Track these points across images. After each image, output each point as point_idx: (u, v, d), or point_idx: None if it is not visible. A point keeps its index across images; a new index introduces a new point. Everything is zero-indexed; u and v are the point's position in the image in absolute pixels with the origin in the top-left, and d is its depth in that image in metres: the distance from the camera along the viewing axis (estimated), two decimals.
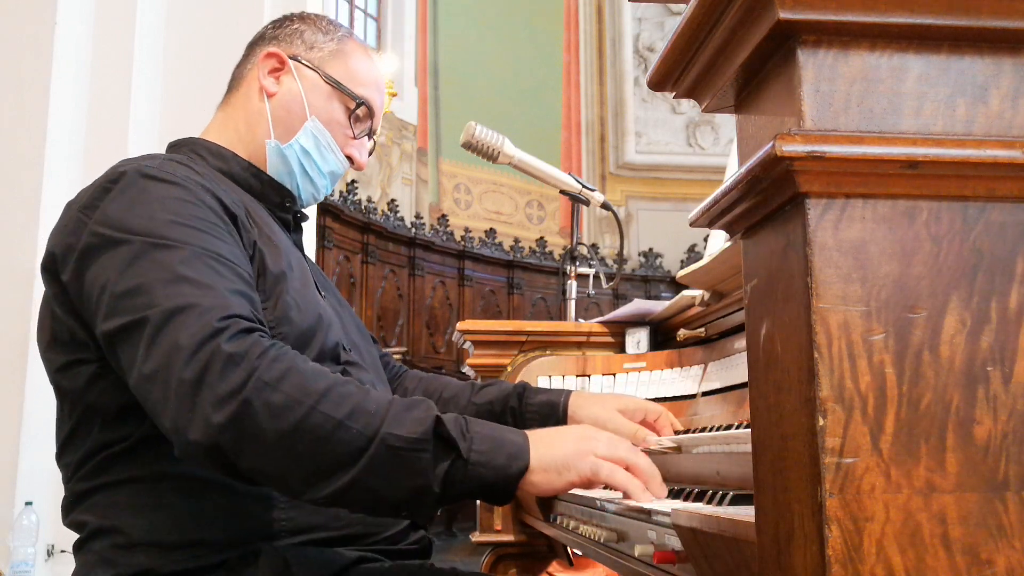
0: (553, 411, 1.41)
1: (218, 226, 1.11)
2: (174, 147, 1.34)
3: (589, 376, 1.82)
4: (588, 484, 1.04)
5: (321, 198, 1.41)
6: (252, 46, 1.41)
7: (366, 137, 1.41)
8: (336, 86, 1.35)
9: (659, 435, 1.35)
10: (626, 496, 1.02)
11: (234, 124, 1.35)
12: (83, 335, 1.11)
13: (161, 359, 0.97)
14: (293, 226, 1.39)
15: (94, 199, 1.11)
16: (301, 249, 1.39)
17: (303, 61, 1.35)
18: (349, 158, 1.39)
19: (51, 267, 1.13)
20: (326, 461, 0.94)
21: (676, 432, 1.38)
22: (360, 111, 1.37)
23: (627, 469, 1.05)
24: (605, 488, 1.14)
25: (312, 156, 1.34)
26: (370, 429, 0.95)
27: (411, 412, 0.97)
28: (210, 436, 0.93)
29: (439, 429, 0.97)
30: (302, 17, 1.41)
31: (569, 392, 1.45)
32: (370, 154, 1.45)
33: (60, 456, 1.17)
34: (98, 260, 1.06)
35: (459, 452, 0.97)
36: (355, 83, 1.37)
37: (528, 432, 1.04)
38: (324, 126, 1.34)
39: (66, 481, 1.16)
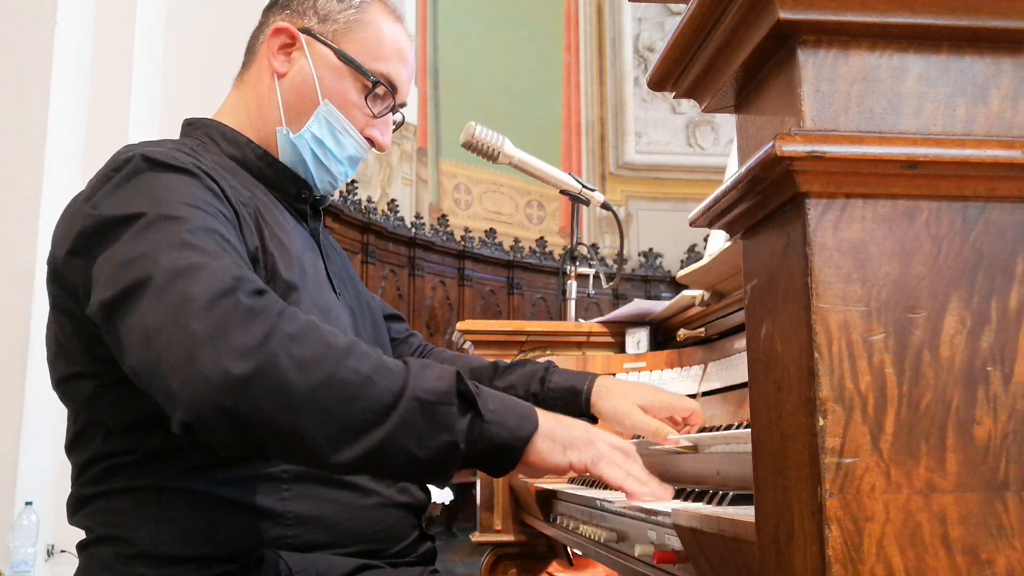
0: (576, 398, 1.36)
1: (223, 214, 1.05)
2: (189, 126, 1.27)
3: None
4: (584, 471, 1.01)
5: (341, 185, 1.31)
6: (266, 12, 1.31)
7: (390, 114, 1.30)
8: (351, 64, 1.24)
9: (691, 432, 1.32)
10: (629, 496, 1.02)
11: (246, 106, 1.27)
12: (80, 352, 1.08)
13: (168, 311, 0.88)
14: (312, 215, 1.32)
15: (97, 186, 1.05)
16: (317, 239, 1.32)
17: (316, 35, 1.24)
18: (370, 139, 1.29)
19: (53, 269, 1.09)
20: (356, 418, 0.88)
21: (700, 429, 1.34)
22: (379, 89, 1.26)
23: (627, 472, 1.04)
24: (594, 486, 1.14)
25: (327, 144, 1.24)
26: (396, 385, 0.90)
27: (429, 370, 0.94)
28: (229, 391, 0.84)
29: (460, 384, 0.94)
30: None
31: (595, 378, 1.37)
32: (397, 128, 1.34)
33: (69, 452, 1.16)
34: (102, 244, 0.99)
35: (477, 408, 0.94)
36: (374, 57, 1.25)
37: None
38: (339, 109, 1.24)
39: (73, 479, 1.15)
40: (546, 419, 0.99)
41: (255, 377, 0.84)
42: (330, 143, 1.25)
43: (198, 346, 0.85)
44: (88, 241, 1.01)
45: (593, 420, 1.39)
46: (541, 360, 1.49)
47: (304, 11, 1.26)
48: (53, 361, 1.13)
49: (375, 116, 1.27)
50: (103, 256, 0.98)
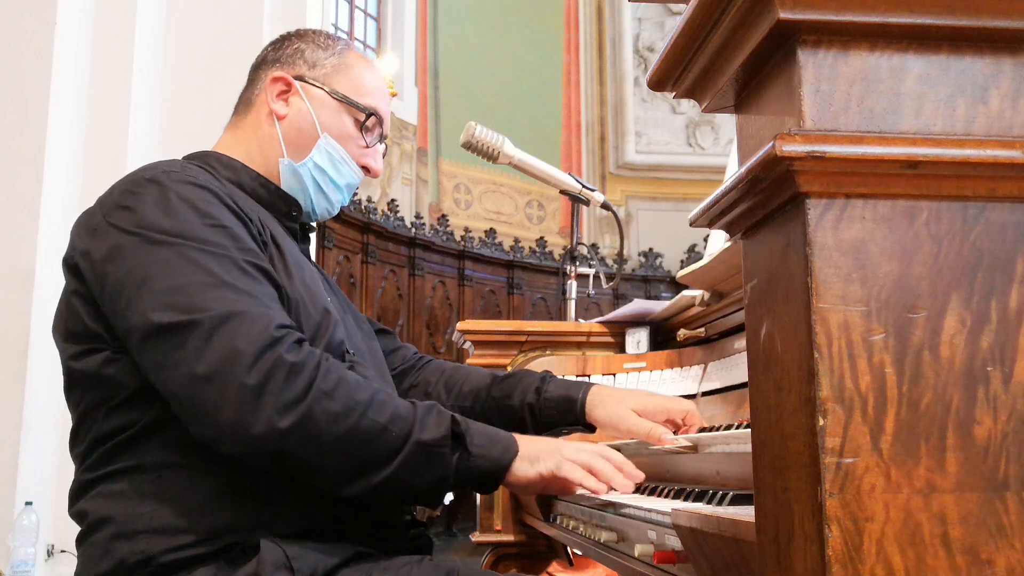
0: (571, 407, 1.41)
1: (243, 229, 1.16)
2: (188, 159, 1.36)
3: (589, 376, 1.82)
4: (552, 478, 1.15)
5: (336, 211, 1.43)
6: (255, 70, 1.43)
7: (379, 144, 1.44)
8: (344, 100, 1.37)
9: (690, 432, 1.34)
10: (593, 492, 1.16)
11: (245, 146, 1.37)
12: (99, 328, 1.14)
13: (219, 362, 1.03)
14: (300, 236, 1.41)
15: (121, 202, 1.15)
16: (308, 259, 1.40)
17: (309, 80, 1.38)
18: (364, 168, 1.42)
19: (73, 264, 1.16)
20: (370, 460, 1.07)
21: (700, 429, 1.36)
22: (369, 121, 1.39)
23: (589, 471, 1.16)
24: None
25: (327, 172, 1.37)
26: (404, 432, 1.09)
27: (431, 415, 1.12)
28: (275, 439, 1.02)
29: (454, 427, 1.12)
30: (300, 35, 1.43)
31: (590, 386, 1.43)
32: (382, 157, 1.47)
33: (72, 446, 1.19)
34: (133, 258, 1.10)
35: (465, 445, 1.11)
36: (361, 94, 1.39)
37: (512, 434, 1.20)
38: (336, 141, 1.37)
39: (76, 472, 1.18)
40: (522, 443, 1.17)
41: (296, 428, 1.03)
42: (331, 171, 1.38)
43: (247, 399, 1.02)
44: (122, 258, 1.11)
45: (590, 428, 1.41)
46: (539, 363, 1.50)
47: (294, 62, 1.40)
48: (64, 342, 1.19)
49: (367, 145, 1.41)
50: (137, 275, 1.09)
